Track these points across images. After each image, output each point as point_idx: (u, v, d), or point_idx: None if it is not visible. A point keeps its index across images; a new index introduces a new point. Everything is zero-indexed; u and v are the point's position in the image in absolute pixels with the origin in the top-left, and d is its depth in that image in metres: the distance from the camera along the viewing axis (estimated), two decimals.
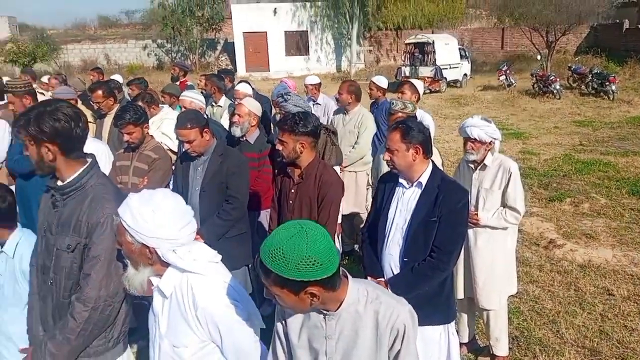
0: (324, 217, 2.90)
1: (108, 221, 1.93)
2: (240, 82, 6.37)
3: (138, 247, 1.72)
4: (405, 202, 2.59)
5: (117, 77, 7.62)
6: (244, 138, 4.05)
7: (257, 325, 1.82)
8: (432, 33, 24.31)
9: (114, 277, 1.96)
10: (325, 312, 1.61)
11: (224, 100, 6.00)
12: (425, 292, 2.51)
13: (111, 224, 1.90)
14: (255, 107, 4.10)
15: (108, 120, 4.88)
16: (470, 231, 3.32)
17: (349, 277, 1.62)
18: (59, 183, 2.01)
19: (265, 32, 26.74)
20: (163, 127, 4.78)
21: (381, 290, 1.69)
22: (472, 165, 3.40)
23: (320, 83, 6.46)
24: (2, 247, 2.38)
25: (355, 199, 4.90)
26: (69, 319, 1.94)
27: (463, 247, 3.32)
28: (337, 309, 1.60)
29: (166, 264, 1.76)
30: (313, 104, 6.09)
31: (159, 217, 1.68)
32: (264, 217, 4.09)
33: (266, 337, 1.85)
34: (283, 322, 1.72)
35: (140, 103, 4.52)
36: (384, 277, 2.59)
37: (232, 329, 1.73)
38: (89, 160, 2.05)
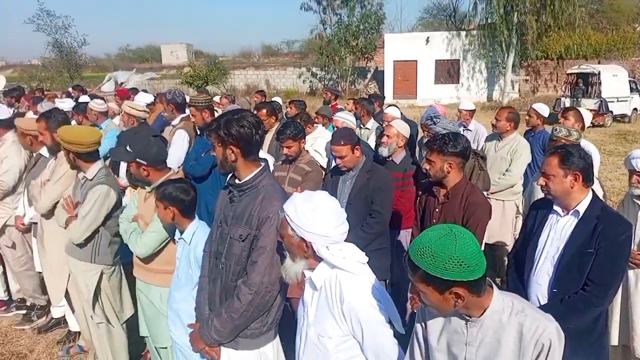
0: None
1: (275, 217, 2.18)
2: (390, 106, 6.57)
3: (297, 240, 1.93)
4: (559, 230, 2.48)
5: (278, 99, 8.37)
6: (390, 158, 4.18)
7: (397, 330, 1.91)
8: (599, 63, 22.29)
9: (275, 267, 2.20)
10: (467, 317, 1.64)
11: (372, 123, 6.25)
12: (575, 329, 2.36)
13: (277, 220, 2.15)
14: (404, 129, 4.22)
15: (268, 136, 5.40)
16: (630, 272, 3.03)
17: (495, 287, 1.64)
18: (237, 181, 2.33)
19: (416, 60, 26.96)
20: (316, 145, 5.15)
21: (527, 304, 1.67)
22: (638, 201, 3.12)
23: (474, 110, 6.38)
24: (181, 235, 2.80)
25: (500, 229, 4.72)
26: (234, 300, 2.23)
27: (621, 288, 3.04)
28: (480, 315, 1.62)
29: (319, 259, 1.94)
30: (464, 130, 6.03)
31: (318, 215, 1.87)
32: (404, 236, 4.16)
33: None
34: (423, 324, 1.79)
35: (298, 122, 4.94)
36: None
37: (374, 327, 1.84)
38: (263, 164, 2.35)
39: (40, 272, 4.33)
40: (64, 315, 4.34)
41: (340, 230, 1.92)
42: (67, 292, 3.84)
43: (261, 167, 2.32)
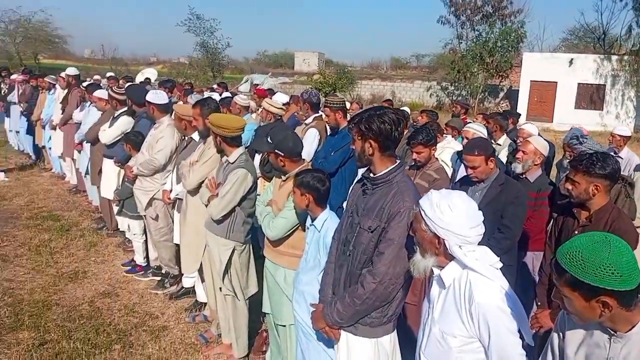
0: None
1: (405, 212, 2.24)
2: (526, 122, 6.26)
3: (430, 235, 1.95)
4: None
5: (406, 109, 8.39)
6: (524, 176, 4.00)
7: (527, 341, 1.85)
8: None
9: (401, 261, 2.27)
10: (612, 331, 1.55)
11: (504, 139, 6.02)
12: None
13: (407, 215, 2.21)
14: (542, 147, 4.02)
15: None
16: None
17: None
18: (372, 175, 2.42)
19: (556, 82, 25.18)
20: (443, 155, 5.09)
21: None
22: None
23: (629, 136, 5.86)
24: (312, 222, 2.96)
25: None
26: (358, 286, 2.32)
27: None
28: (628, 331, 1.53)
29: (449, 258, 1.95)
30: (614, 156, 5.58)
31: (454, 213, 1.89)
32: (530, 258, 3.95)
33: None
34: (560, 334, 1.72)
35: None
36: None
37: (501, 333, 1.80)
38: (398, 160, 2.41)
39: (177, 244, 4.81)
40: (194, 286, 4.79)
41: (476, 231, 1.91)
42: (200, 269, 4.24)
43: (397, 163, 2.39)
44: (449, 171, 4.92)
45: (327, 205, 2.97)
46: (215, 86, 11.66)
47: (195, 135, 4.48)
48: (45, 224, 6.77)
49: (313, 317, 2.58)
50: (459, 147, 5.11)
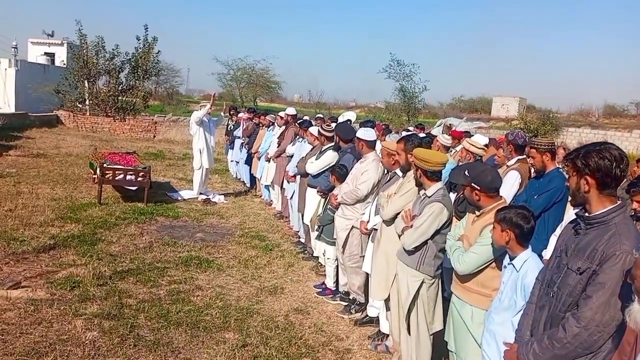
0: None
1: (622, 256, 2.05)
2: None
3: None
4: None
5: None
6: None
7: None
8: None
9: (611, 308, 2.07)
10: None
11: None
12: None
13: (623, 260, 2.02)
14: None
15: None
16: None
17: None
18: (586, 214, 2.27)
19: None
20: None
21: None
22: None
23: None
24: (511, 260, 2.85)
25: None
26: (559, 329, 2.18)
27: None
28: None
29: None
30: None
31: None
32: None
33: None
34: None
35: None
36: None
37: None
38: (619, 201, 2.21)
39: (367, 273, 5.03)
40: (377, 316, 4.92)
41: None
42: (387, 299, 4.35)
43: (617, 203, 2.20)
44: None
45: (530, 246, 2.84)
46: (411, 127, 11.95)
47: (399, 172, 4.70)
48: (253, 242, 7.68)
49: (505, 356, 2.46)
50: None
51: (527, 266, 2.73)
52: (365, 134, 5.32)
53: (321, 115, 11.71)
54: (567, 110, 39.41)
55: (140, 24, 51.55)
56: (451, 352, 3.49)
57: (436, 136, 7.22)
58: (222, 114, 12.04)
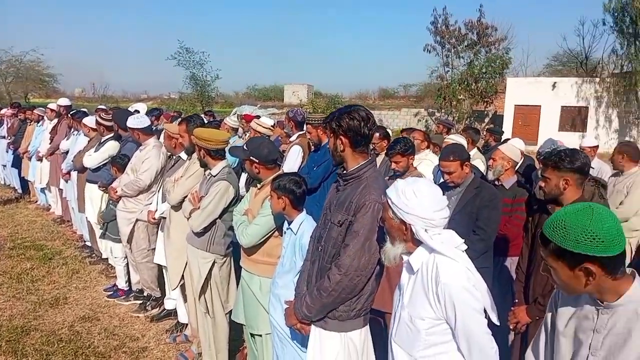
0: None
1: (371, 205, 2.27)
2: (514, 138, 6.39)
3: (397, 223, 1.98)
4: None
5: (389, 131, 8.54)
6: (500, 182, 4.05)
7: (493, 321, 1.85)
8: None
9: (366, 253, 2.29)
10: (600, 303, 1.54)
11: (474, 152, 6.15)
12: None
13: (373, 208, 2.24)
14: (511, 152, 4.08)
15: (379, 159, 5.53)
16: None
17: (638, 276, 1.52)
18: (344, 171, 2.46)
19: (540, 105, 25.70)
20: (421, 167, 5.15)
21: None
22: None
23: (597, 146, 5.98)
24: (289, 225, 2.97)
25: None
26: (325, 279, 2.34)
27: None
28: (614, 302, 1.51)
29: (417, 243, 1.97)
30: None
31: (418, 198, 1.92)
32: (509, 264, 3.97)
33: None
34: (554, 311, 1.72)
35: None
36: None
37: (466, 312, 1.82)
38: (370, 157, 2.45)
39: (159, 265, 4.78)
40: (175, 308, 4.73)
41: (441, 214, 1.94)
42: (183, 287, 4.20)
43: (368, 159, 2.42)
44: None
45: (304, 209, 2.99)
46: (203, 115, 11.76)
47: (184, 155, 4.52)
48: (27, 253, 6.70)
49: (286, 314, 2.57)
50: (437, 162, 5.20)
51: (303, 228, 2.88)
52: (136, 122, 4.97)
53: (102, 106, 10.73)
54: (349, 94, 43.51)
55: None
56: (244, 325, 3.51)
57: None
58: None
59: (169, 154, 4.81)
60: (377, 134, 5.51)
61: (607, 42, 47.12)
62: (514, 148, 4.18)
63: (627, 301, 1.48)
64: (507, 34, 27.87)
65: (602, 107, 25.04)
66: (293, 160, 5.03)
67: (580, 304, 1.60)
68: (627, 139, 24.36)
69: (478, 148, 6.36)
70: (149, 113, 9.31)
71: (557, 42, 67.45)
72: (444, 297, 1.83)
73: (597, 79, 25.41)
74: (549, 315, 1.74)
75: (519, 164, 4.96)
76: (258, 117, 9.80)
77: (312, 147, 5.06)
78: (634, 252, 4.32)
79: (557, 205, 2.90)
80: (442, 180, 3.73)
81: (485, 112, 29.37)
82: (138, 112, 9.97)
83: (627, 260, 4.19)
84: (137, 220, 4.88)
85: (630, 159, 4.77)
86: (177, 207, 4.09)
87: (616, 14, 23.83)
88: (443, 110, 28.89)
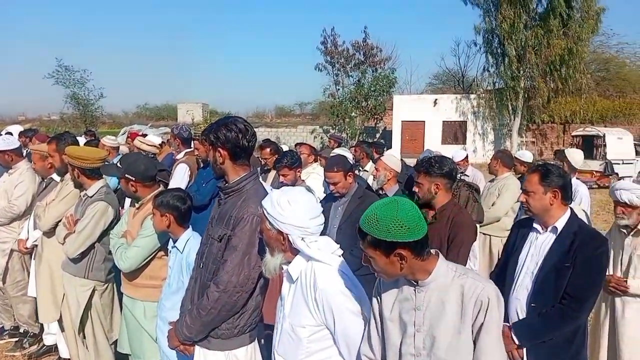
0: (452, 257, 2.91)
1: (249, 218, 2.23)
2: (388, 152, 6.76)
3: (274, 233, 2.00)
4: (538, 246, 2.53)
5: (284, 147, 8.62)
6: (384, 191, 4.27)
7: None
8: (605, 127, 22.71)
9: (245, 268, 2.23)
10: (415, 282, 1.74)
11: (370, 165, 6.44)
12: (552, 342, 2.36)
13: (251, 221, 2.21)
14: (392, 162, 4.30)
15: (272, 174, 5.56)
16: (617, 300, 3.02)
17: (440, 254, 1.76)
18: (225, 184, 2.42)
19: (424, 121, 27.65)
20: (309, 180, 5.27)
21: (469, 270, 1.80)
22: (624, 230, 3.16)
23: (467, 155, 6.54)
24: (174, 243, 2.87)
25: (483, 262, 4.80)
26: (204, 297, 2.26)
27: (609, 317, 3.03)
28: (426, 279, 1.73)
29: (295, 252, 2.00)
30: (462, 175, 6.18)
31: (293, 207, 1.95)
32: None
33: None
34: (378, 298, 1.88)
35: None
36: (508, 323, 2.49)
37: (344, 315, 1.88)
38: (252, 169, 2.44)
39: (35, 298, 4.36)
40: (56, 343, 4.34)
41: (316, 222, 1.99)
42: (60, 319, 3.87)
43: (249, 171, 2.40)
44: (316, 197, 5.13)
45: (190, 226, 2.91)
46: (83, 135, 11.02)
47: (56, 176, 4.19)
48: None
49: (169, 335, 2.46)
50: None
51: (189, 246, 2.78)
52: (6, 143, 4.54)
53: None
54: (245, 112, 43.44)
55: None
56: (129, 356, 3.32)
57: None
58: None
59: (40, 177, 4.46)
60: (267, 150, 5.55)
61: (480, 61, 51.98)
62: (393, 158, 4.43)
63: (435, 277, 1.73)
64: (392, 54, 29.77)
65: (480, 121, 27.58)
66: (180, 179, 4.89)
67: (400, 287, 1.81)
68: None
69: (373, 161, 6.65)
70: (22, 134, 8.56)
71: (435, 62, 73.14)
72: (322, 302, 1.88)
73: (473, 95, 27.98)
74: (375, 301, 1.90)
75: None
76: (145, 135, 9.45)
77: (201, 163, 4.97)
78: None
79: (430, 209, 3.12)
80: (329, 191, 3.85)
81: (376, 128, 30.88)
82: (11, 134, 9.15)
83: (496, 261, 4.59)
84: (11, 250, 4.45)
85: (504, 164, 5.26)
86: (49, 233, 3.79)
87: (486, 35, 26.39)
88: (337, 127, 29.84)
